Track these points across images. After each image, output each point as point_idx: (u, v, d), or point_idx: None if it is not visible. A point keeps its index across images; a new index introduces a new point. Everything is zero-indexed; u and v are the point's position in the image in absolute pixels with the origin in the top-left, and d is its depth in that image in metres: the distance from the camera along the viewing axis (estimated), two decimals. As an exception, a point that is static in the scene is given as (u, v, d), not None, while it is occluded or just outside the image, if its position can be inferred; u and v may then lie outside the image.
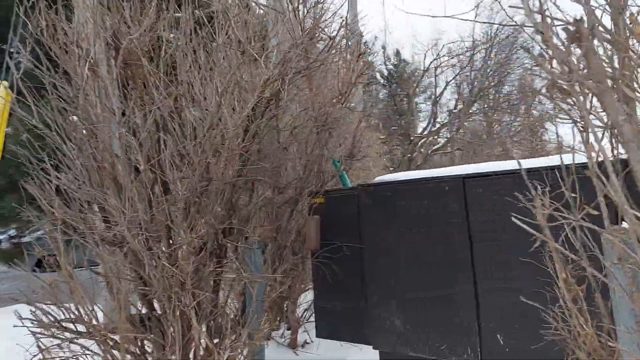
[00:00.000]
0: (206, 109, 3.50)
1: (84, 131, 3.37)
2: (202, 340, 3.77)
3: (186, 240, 3.28)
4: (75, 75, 3.54)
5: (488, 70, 23.34)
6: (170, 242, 3.76)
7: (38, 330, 3.98)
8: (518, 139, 28.03)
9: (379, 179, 4.40)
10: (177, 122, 3.51)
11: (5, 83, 5.51)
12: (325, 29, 4.40)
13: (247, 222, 4.17)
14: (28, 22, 3.78)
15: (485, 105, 24.66)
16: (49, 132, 3.73)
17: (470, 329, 3.64)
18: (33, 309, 4.02)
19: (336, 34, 4.43)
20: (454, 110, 23.47)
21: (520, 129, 28.00)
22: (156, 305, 4.03)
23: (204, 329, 3.84)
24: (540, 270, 3.36)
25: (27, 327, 3.97)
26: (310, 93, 4.64)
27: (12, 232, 11.87)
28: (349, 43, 4.89)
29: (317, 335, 4.73)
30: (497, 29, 22.02)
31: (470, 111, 23.10)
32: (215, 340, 3.79)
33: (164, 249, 3.41)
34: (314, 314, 5.82)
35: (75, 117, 3.96)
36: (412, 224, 3.97)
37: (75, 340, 4.00)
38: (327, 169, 5.05)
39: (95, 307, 4.12)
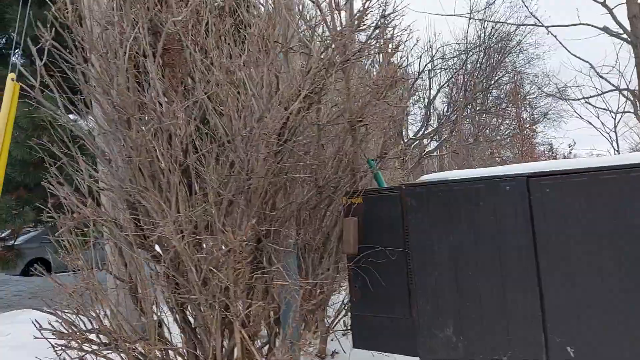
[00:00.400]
0: (255, 98, 3.19)
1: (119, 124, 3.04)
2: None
3: (236, 244, 2.97)
4: (107, 62, 3.22)
5: (479, 75, 23.28)
6: (205, 245, 3.47)
7: (61, 342, 3.66)
8: (510, 141, 28.08)
9: (426, 178, 4.11)
10: (219, 113, 3.20)
11: (13, 75, 5.14)
12: (367, 19, 4.10)
13: (285, 224, 3.88)
14: (52, 4, 3.47)
15: (473, 109, 24.59)
16: (76, 125, 3.41)
17: (536, 342, 3.37)
18: (54, 318, 3.71)
19: (377, 23, 4.16)
20: (447, 113, 23.32)
21: (511, 131, 28.08)
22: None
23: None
24: (618, 280, 3.14)
25: (48, 339, 3.65)
26: (347, 85, 4.35)
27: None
28: (386, 35, 4.60)
29: (355, 346, 4.42)
30: (492, 29, 22.00)
31: (464, 114, 22.99)
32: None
33: (211, 252, 3.08)
34: (349, 323, 5.55)
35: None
36: (467, 227, 3.69)
37: (99, 352, 3.69)
38: (361, 167, 4.77)
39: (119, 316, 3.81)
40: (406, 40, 4.75)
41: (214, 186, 3.15)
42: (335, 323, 5.34)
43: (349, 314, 5.40)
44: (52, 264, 15.84)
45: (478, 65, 23.00)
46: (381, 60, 4.59)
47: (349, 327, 5.43)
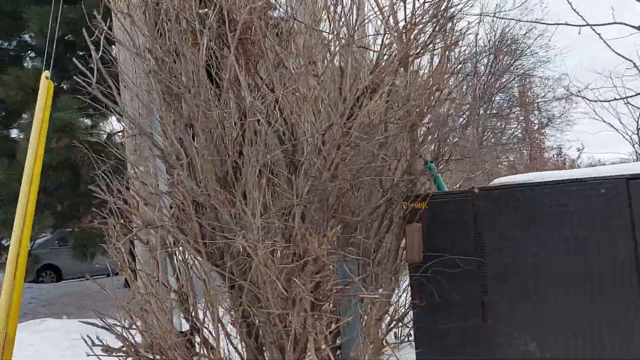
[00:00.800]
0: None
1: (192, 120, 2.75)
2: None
3: (321, 252, 2.68)
4: (170, 55, 2.94)
5: (490, 79, 23.09)
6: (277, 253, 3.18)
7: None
8: (517, 145, 27.85)
9: (502, 180, 3.84)
10: (297, 110, 2.92)
11: (47, 73, 4.84)
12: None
13: (356, 230, 3.60)
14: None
15: (477, 113, 24.36)
16: (138, 125, 3.13)
17: None
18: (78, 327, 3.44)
19: (444, 14, 3.88)
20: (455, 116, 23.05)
21: (517, 136, 27.85)
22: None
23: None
24: None
25: (99, 355, 3.37)
26: (411, 79, 4.06)
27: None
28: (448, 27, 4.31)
29: (418, 358, 4.14)
30: (503, 31, 21.87)
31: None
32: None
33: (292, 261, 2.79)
34: (399, 334, 5.26)
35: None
36: (554, 233, 3.41)
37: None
38: (419, 170, 4.48)
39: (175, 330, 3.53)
40: (465, 36, 4.43)
41: (291, 190, 2.86)
42: (386, 333, 5.04)
43: (400, 324, 5.12)
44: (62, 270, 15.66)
45: (488, 69, 22.85)
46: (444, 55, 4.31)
47: (402, 339, 5.15)
